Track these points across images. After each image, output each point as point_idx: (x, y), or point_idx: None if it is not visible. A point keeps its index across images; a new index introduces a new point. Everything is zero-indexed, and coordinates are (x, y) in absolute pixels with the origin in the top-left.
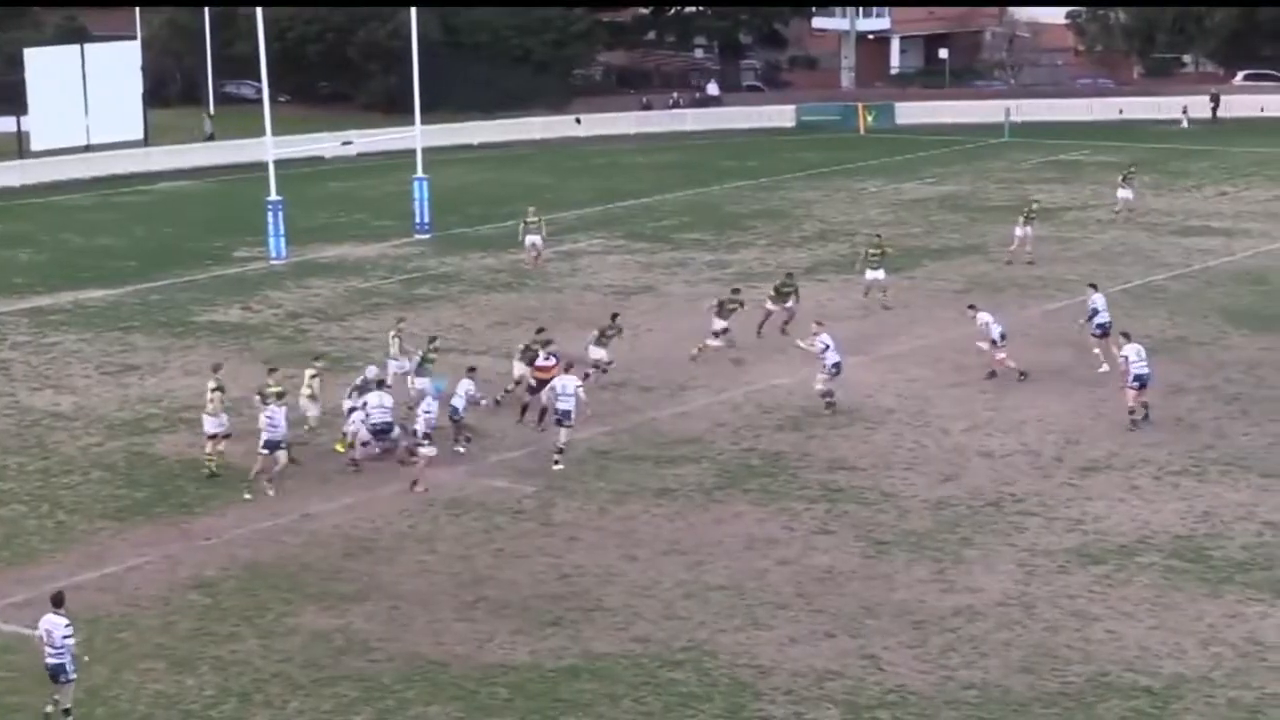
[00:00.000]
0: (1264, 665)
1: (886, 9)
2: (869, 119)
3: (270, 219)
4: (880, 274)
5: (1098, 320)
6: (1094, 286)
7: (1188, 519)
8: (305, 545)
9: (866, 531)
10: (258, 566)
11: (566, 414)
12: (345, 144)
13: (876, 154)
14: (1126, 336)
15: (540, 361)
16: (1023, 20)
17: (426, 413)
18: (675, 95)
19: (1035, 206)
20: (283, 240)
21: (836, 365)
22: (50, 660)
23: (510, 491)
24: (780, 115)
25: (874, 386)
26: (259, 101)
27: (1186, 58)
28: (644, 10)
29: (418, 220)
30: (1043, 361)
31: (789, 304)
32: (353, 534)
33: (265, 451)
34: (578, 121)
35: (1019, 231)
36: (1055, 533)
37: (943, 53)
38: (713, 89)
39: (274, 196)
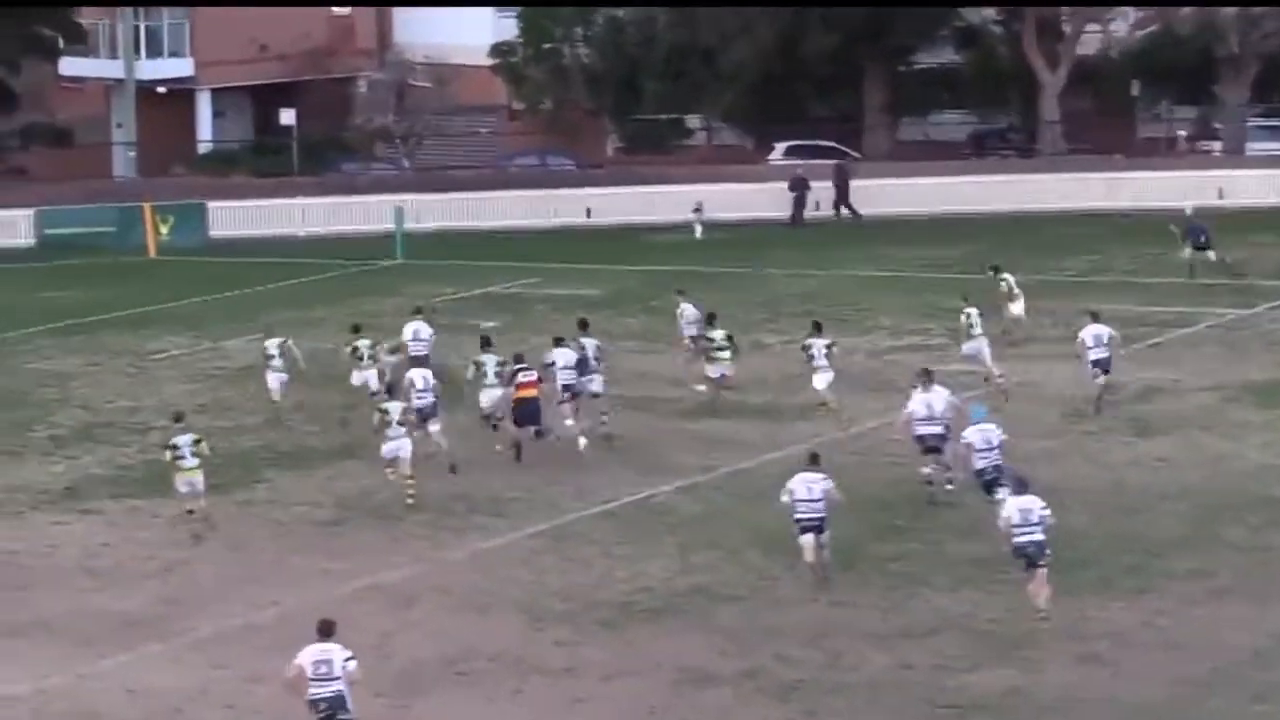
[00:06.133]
0: None
1: (187, 49)
2: (162, 230)
3: None
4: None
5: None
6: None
7: None
8: None
9: None
10: None
11: None
12: None
13: (178, 292)
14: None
15: (521, 379)
16: (420, 61)
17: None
18: None
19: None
20: None
21: None
22: None
23: None
24: (10, 227)
25: None
26: None
27: (695, 121)
28: None
29: None
30: None
31: None
32: None
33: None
34: None
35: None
36: None
37: (286, 115)
38: None
39: None
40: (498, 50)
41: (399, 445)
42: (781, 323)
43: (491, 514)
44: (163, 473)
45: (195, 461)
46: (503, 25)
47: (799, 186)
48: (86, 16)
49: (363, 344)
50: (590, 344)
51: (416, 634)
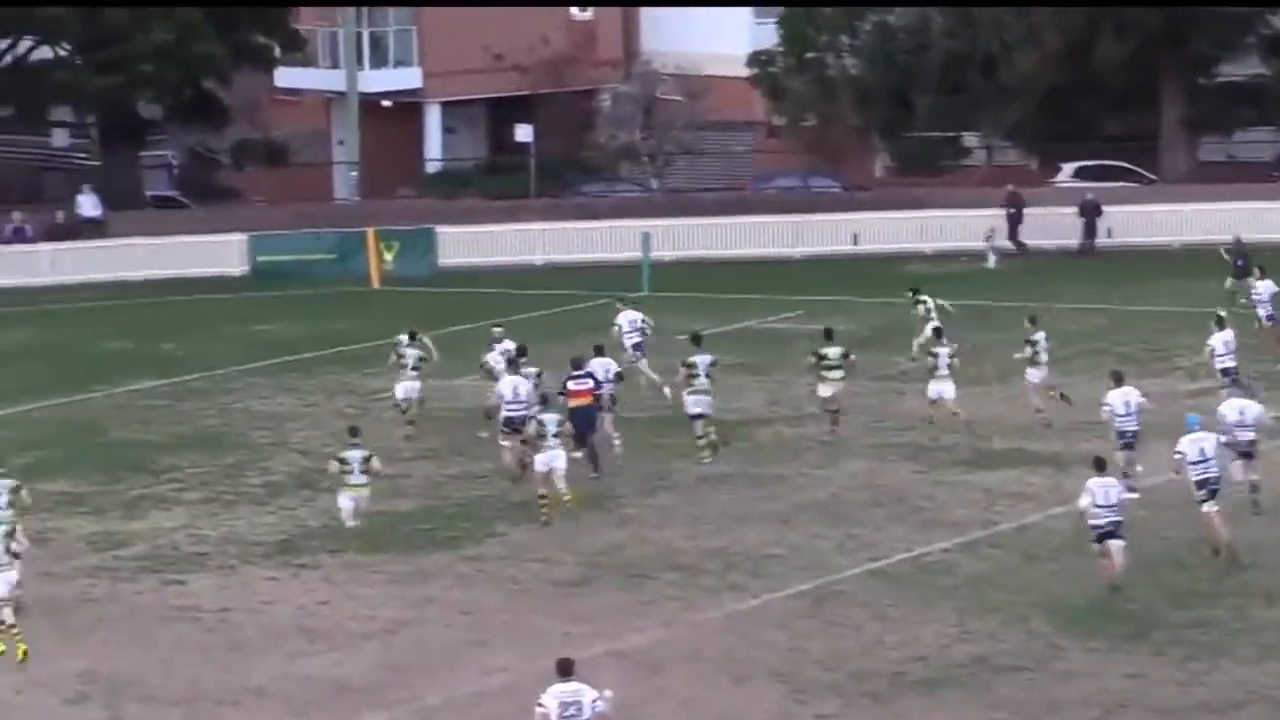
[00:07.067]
0: None
1: (415, 58)
2: (386, 258)
3: None
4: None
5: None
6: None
7: None
8: None
9: None
10: None
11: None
12: None
13: (403, 325)
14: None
15: (574, 386)
16: (670, 71)
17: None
18: (18, 218)
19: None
20: None
21: None
22: None
23: None
24: (221, 254)
25: None
26: None
27: (972, 138)
28: None
29: None
30: None
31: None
32: None
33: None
34: None
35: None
36: None
37: (522, 132)
38: (89, 206)
39: None
40: (755, 60)
41: (553, 457)
42: (1071, 364)
43: (748, 572)
44: (380, 528)
45: (364, 479)
46: (761, 32)
47: (1090, 212)
48: (305, 22)
49: (410, 353)
50: (703, 361)
51: (666, 704)
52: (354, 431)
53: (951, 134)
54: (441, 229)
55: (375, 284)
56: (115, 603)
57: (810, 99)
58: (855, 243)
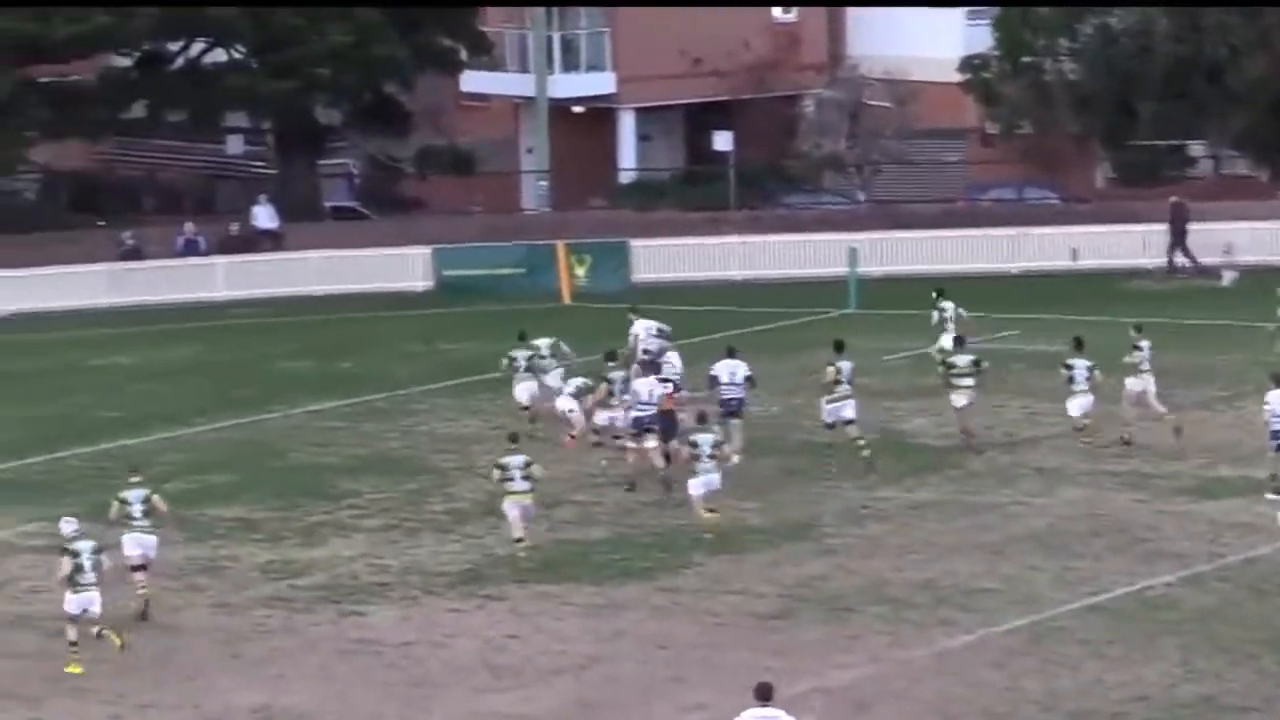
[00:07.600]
0: None
1: (608, 62)
2: (578, 272)
3: None
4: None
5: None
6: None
7: None
8: None
9: None
10: None
11: None
12: None
13: (595, 343)
14: None
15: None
16: (878, 76)
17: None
18: (190, 230)
19: None
20: None
21: None
22: None
23: None
24: (404, 267)
25: None
26: None
27: (1198, 147)
28: (123, 59)
29: None
30: None
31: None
32: None
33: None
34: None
35: None
36: None
37: (721, 140)
38: (264, 217)
39: None
40: (968, 64)
41: (709, 480)
42: None
43: (959, 607)
44: (571, 558)
45: (526, 485)
46: (973, 35)
47: None
48: (492, 24)
49: (520, 354)
50: (847, 367)
51: None
52: (513, 438)
53: (1176, 143)
54: (636, 242)
55: (566, 299)
56: (292, 635)
57: (1026, 105)
58: (1075, 258)
